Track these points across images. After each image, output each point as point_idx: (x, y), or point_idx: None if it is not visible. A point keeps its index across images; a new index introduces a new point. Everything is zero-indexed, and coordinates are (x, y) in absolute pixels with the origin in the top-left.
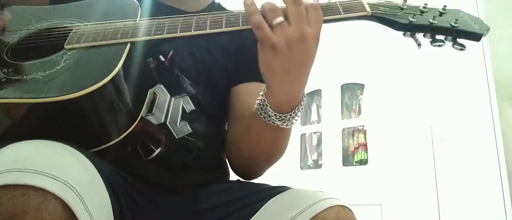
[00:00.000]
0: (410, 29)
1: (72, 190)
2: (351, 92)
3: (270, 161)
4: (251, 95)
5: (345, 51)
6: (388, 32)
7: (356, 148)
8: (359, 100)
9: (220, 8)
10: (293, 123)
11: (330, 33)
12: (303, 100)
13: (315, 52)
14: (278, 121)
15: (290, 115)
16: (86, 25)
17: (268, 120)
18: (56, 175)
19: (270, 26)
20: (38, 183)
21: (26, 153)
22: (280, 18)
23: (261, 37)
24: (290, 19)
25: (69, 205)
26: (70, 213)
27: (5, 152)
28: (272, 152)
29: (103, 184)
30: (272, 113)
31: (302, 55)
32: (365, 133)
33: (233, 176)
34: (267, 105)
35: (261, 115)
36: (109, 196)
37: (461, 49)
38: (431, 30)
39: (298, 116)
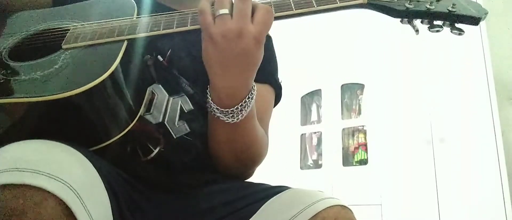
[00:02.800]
0: (407, 15)
1: (71, 190)
2: (351, 92)
3: (240, 162)
4: None
5: (345, 51)
6: (388, 32)
7: (356, 148)
8: (359, 100)
9: None
10: (239, 117)
11: (330, 33)
12: (250, 97)
13: (256, 53)
14: (221, 114)
15: (232, 111)
16: (83, 25)
17: (214, 114)
18: (55, 175)
19: (214, 17)
20: (37, 182)
21: (25, 153)
22: (224, 10)
23: (201, 23)
24: (233, 13)
25: (68, 205)
26: (69, 213)
27: (4, 151)
28: (234, 152)
29: (102, 183)
30: (214, 106)
31: (239, 52)
32: (365, 133)
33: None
34: (209, 99)
35: (209, 109)
36: (108, 196)
37: (459, 34)
38: (429, 16)
39: (244, 112)
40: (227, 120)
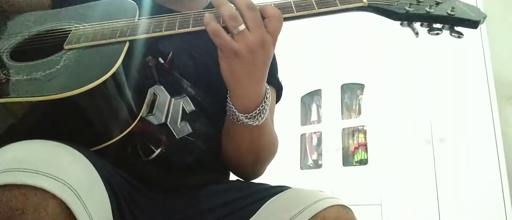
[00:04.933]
0: (407, 18)
1: (72, 190)
2: (351, 92)
3: (258, 161)
4: None
5: (345, 51)
6: (388, 32)
7: (356, 148)
8: (359, 100)
9: None
10: (262, 118)
11: (330, 33)
12: (267, 96)
13: (272, 54)
14: (248, 120)
15: (256, 112)
16: (85, 26)
17: (240, 121)
18: (56, 175)
19: (231, 34)
20: (37, 183)
21: (25, 153)
22: (242, 26)
23: (220, 44)
24: (249, 25)
25: (68, 205)
26: (69, 213)
27: (5, 151)
28: (256, 152)
29: (103, 184)
30: (242, 116)
31: (263, 59)
32: (365, 133)
33: (233, 176)
34: (235, 110)
35: (233, 119)
36: (109, 196)
37: (459, 37)
38: (428, 19)
39: (266, 110)
40: (253, 122)
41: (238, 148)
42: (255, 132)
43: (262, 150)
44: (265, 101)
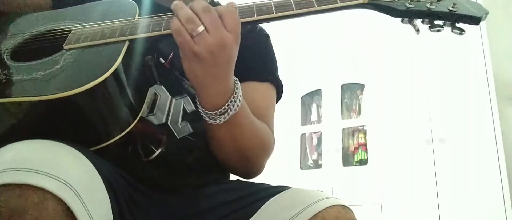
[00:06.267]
0: (408, 15)
1: (72, 189)
2: (351, 92)
3: (247, 158)
4: (249, 95)
5: (345, 51)
6: (388, 32)
7: (356, 148)
8: (359, 100)
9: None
10: (234, 110)
11: (330, 33)
12: (237, 90)
13: (236, 54)
14: (218, 116)
15: (225, 108)
16: (84, 26)
17: (211, 120)
18: (56, 175)
19: (191, 36)
20: (37, 182)
21: (25, 153)
22: (201, 28)
23: (181, 44)
24: (207, 27)
25: (68, 204)
26: (70, 212)
27: (5, 151)
28: (241, 149)
29: (103, 183)
30: (212, 114)
31: (225, 59)
32: (365, 133)
33: (233, 176)
34: (202, 109)
35: (205, 118)
36: (109, 196)
37: (460, 33)
38: (429, 16)
39: (236, 104)
40: (225, 118)
41: (221, 147)
42: (234, 129)
43: (247, 146)
44: (233, 96)
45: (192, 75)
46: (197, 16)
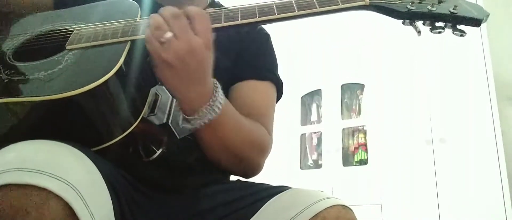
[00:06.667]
0: (409, 17)
1: (74, 189)
2: (351, 92)
3: (239, 157)
4: (248, 93)
5: (345, 51)
6: (388, 32)
7: (356, 148)
8: (359, 100)
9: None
10: (216, 112)
11: (330, 33)
12: (216, 88)
13: (209, 58)
14: (199, 120)
15: (206, 109)
16: (86, 26)
17: (194, 125)
18: (58, 175)
19: (160, 43)
20: (39, 182)
21: (27, 153)
22: (168, 34)
23: (151, 51)
24: (175, 33)
25: (70, 204)
26: (72, 213)
27: (7, 151)
28: (230, 149)
29: (105, 184)
30: (192, 118)
31: (196, 65)
32: (365, 133)
33: (234, 176)
34: (182, 114)
35: (185, 123)
36: (110, 196)
37: (461, 35)
38: (431, 18)
39: (217, 105)
40: (205, 122)
41: (210, 148)
42: (217, 130)
43: (236, 146)
44: (212, 99)
45: (165, 82)
46: (165, 22)
